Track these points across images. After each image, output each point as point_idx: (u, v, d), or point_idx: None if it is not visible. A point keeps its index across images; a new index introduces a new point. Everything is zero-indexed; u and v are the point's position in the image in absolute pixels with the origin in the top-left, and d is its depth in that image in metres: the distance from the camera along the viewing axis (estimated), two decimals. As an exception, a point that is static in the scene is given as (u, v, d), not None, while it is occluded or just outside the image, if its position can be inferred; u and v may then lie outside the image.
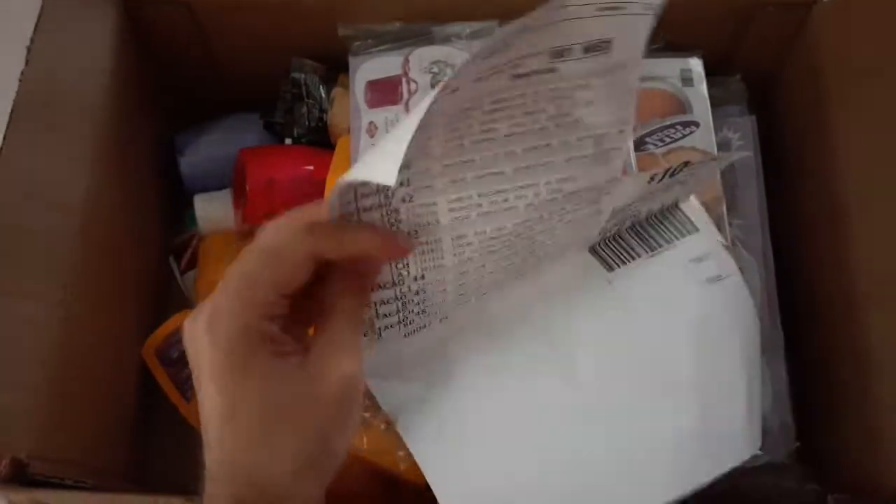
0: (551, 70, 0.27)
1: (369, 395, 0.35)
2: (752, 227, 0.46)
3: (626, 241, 0.39)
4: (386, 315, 0.31)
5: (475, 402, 0.35)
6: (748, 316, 0.39)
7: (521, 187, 0.29)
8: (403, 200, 0.28)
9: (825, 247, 0.44)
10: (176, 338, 0.50)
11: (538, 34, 0.26)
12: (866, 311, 0.40)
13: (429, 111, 0.22)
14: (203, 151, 0.55)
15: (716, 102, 0.48)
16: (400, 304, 0.31)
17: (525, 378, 0.35)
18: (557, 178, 0.30)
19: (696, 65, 0.48)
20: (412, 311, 0.32)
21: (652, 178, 0.35)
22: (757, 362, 0.38)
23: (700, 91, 0.47)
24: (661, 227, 0.40)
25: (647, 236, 0.39)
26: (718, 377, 0.37)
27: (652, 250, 0.39)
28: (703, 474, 0.35)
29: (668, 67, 0.48)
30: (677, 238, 0.39)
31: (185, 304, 0.53)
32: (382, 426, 0.38)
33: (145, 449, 0.49)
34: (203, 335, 0.25)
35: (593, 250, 0.38)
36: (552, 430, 0.35)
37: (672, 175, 0.36)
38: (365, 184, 0.26)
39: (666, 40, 0.48)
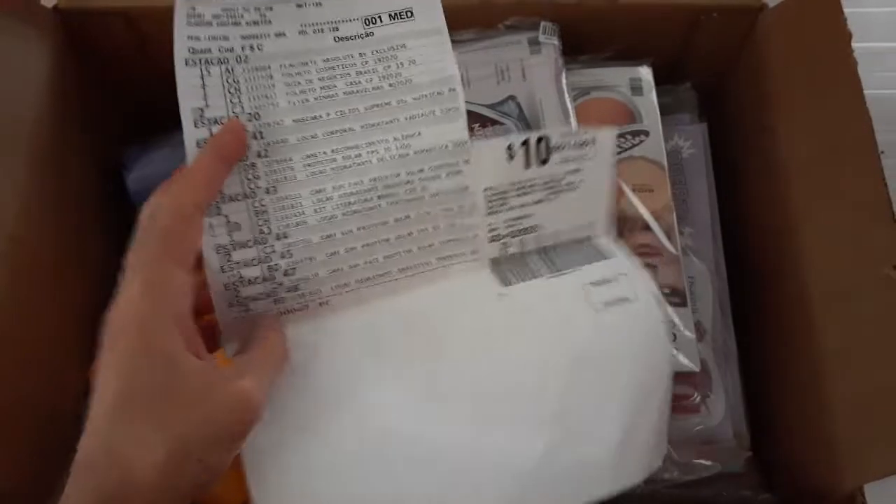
0: (369, 34, 0.32)
1: None
2: (704, 235, 0.46)
3: (530, 260, 0.37)
4: (251, 281, 0.31)
5: (328, 424, 0.32)
6: (651, 341, 0.36)
7: (371, 143, 0.32)
8: (259, 155, 0.31)
9: (777, 253, 0.45)
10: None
11: (346, 2, 0.32)
12: (818, 317, 0.40)
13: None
14: (150, 167, 0.53)
15: (666, 110, 0.48)
16: (265, 269, 0.31)
17: (387, 399, 0.32)
18: (404, 134, 0.33)
19: (645, 73, 0.48)
20: (281, 283, 0.32)
21: (510, 150, 0.34)
22: (660, 388, 0.36)
23: (650, 99, 0.47)
24: (570, 254, 0.38)
25: (552, 259, 0.38)
26: (588, 408, 0.34)
27: (557, 271, 0.37)
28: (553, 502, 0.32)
29: (618, 76, 0.48)
30: (584, 264, 0.37)
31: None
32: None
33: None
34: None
35: (495, 265, 0.37)
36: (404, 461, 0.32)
37: (540, 155, 0.35)
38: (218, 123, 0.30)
39: (615, 49, 0.48)
